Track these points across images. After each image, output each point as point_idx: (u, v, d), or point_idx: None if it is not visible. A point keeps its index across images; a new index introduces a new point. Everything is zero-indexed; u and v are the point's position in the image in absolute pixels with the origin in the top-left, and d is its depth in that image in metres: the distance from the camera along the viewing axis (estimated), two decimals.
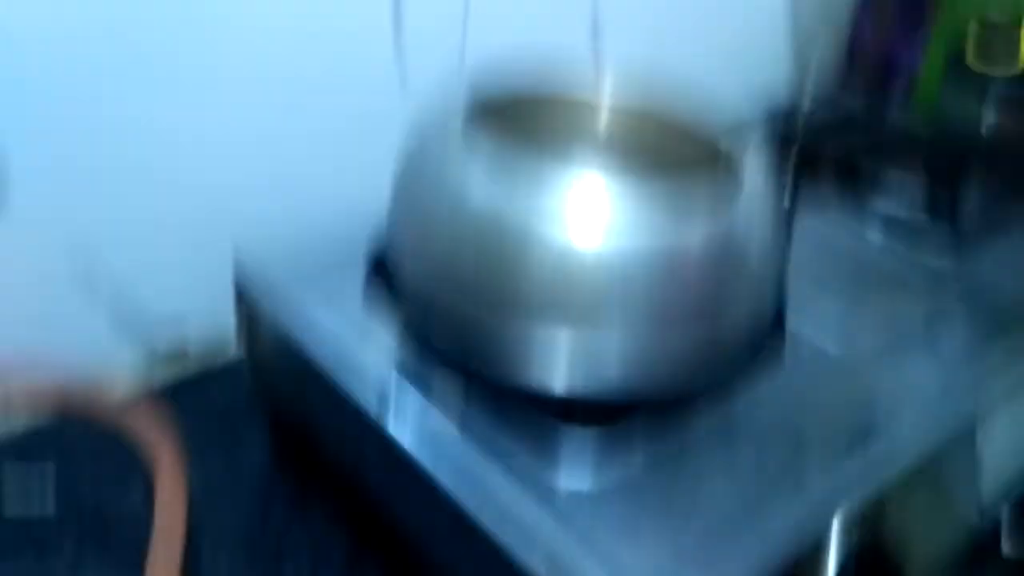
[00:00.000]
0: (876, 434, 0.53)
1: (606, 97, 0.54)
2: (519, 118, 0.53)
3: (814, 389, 0.55)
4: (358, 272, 0.54)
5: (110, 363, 0.61)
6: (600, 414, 0.45)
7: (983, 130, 0.88)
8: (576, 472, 0.44)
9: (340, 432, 0.51)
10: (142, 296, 0.61)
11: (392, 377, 0.48)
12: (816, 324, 0.60)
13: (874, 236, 0.70)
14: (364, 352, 0.49)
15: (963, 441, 0.56)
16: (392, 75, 0.66)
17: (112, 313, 0.59)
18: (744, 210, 0.45)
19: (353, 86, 0.66)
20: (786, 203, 0.50)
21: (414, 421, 0.46)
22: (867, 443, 0.52)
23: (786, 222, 0.50)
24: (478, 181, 0.43)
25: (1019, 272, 0.70)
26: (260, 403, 0.59)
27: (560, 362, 0.43)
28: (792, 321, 0.59)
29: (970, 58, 0.86)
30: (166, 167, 0.60)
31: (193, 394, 0.62)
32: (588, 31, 0.77)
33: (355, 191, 0.58)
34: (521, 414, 0.46)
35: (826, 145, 0.51)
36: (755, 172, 0.47)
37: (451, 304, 0.44)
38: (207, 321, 0.64)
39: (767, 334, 0.50)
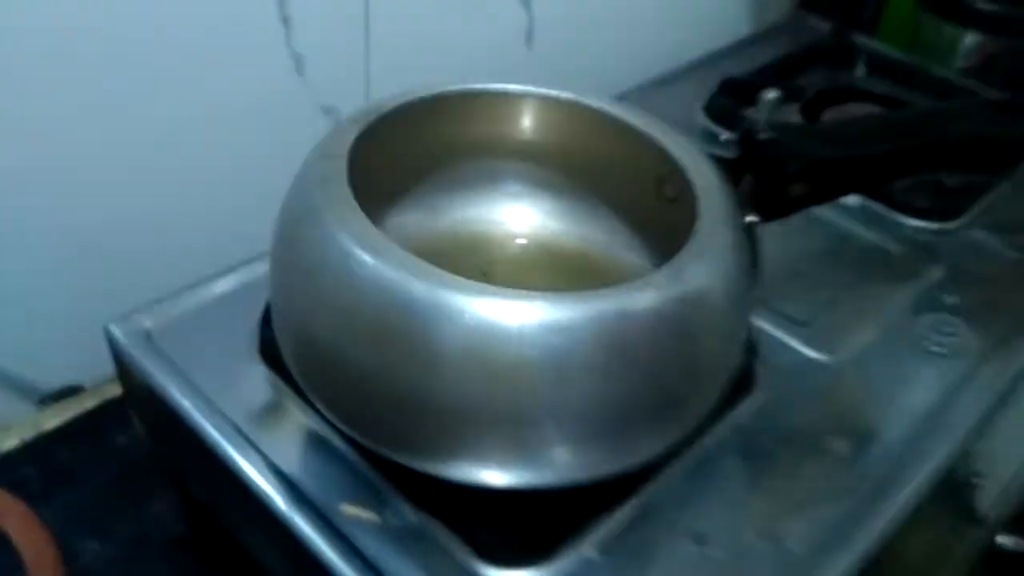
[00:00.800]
0: (861, 459, 0.46)
1: (533, 92, 0.45)
2: (429, 122, 0.44)
3: (796, 407, 0.48)
4: (251, 334, 0.46)
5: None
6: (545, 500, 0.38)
7: (962, 55, 0.79)
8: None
9: (243, 515, 0.44)
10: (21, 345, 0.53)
11: (298, 463, 0.40)
12: (795, 327, 0.53)
13: (852, 210, 0.63)
14: (262, 434, 0.41)
15: (961, 454, 0.49)
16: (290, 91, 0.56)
17: None
18: (699, 252, 0.36)
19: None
20: (748, 217, 0.41)
21: (324, 514, 0.38)
22: (851, 470, 0.45)
23: (752, 237, 0.41)
24: (368, 246, 0.34)
25: (1005, 232, 0.63)
26: (161, 466, 0.52)
27: (493, 456, 0.35)
28: (768, 329, 0.52)
29: None
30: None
31: (91, 440, 0.54)
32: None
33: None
34: (451, 506, 0.39)
35: (791, 147, 0.42)
36: (710, 190, 0.39)
37: (350, 393, 0.36)
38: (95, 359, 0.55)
39: (737, 364, 0.42)
